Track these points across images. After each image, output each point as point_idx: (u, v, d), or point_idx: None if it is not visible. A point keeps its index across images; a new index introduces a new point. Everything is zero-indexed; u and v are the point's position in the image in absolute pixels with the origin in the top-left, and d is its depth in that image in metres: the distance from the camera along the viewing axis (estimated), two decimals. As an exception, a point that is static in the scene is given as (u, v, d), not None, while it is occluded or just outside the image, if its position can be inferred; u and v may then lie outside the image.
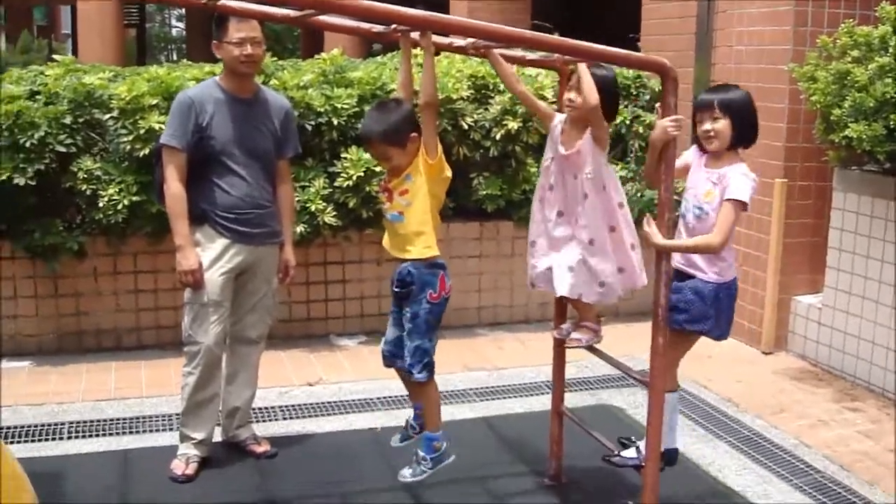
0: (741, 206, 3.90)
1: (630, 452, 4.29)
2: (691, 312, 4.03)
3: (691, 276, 4.07)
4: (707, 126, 4.01)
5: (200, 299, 4.63)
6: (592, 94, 3.78)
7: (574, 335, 4.30)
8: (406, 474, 4.17)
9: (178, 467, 4.73)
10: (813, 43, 6.28)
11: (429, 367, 4.04)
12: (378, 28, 3.97)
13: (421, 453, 4.16)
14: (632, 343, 5.50)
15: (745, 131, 4.06)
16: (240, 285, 4.78)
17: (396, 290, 4.07)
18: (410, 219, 3.94)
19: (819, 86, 5.96)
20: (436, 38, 3.84)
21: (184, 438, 4.81)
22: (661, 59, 3.74)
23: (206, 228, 4.63)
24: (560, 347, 4.57)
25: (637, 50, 8.15)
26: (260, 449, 4.98)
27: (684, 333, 4.11)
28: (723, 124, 3.99)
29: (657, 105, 3.89)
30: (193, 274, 4.56)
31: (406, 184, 3.92)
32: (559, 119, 4.11)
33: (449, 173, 4.03)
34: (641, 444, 4.21)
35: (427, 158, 3.86)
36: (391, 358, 4.21)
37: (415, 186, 3.91)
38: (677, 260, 4.07)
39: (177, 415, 5.47)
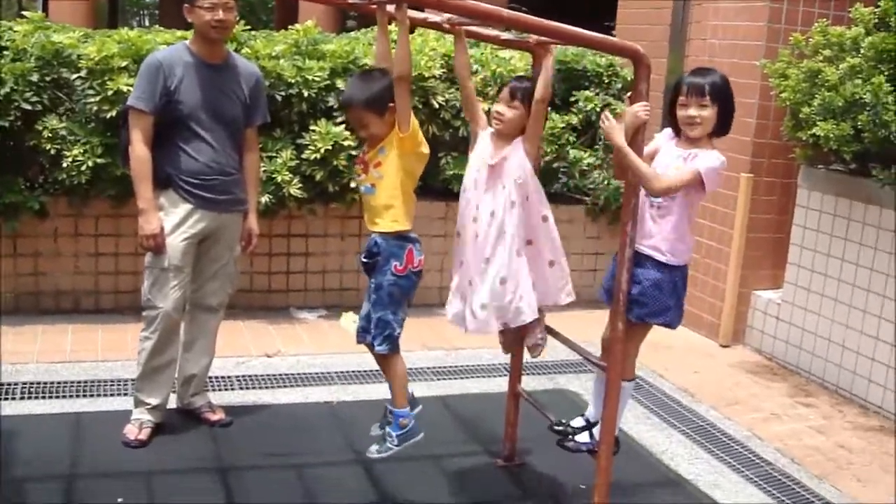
0: (699, 178, 3.88)
1: (583, 437, 4.30)
2: (651, 306, 4.01)
3: (647, 258, 4.02)
4: (692, 112, 3.99)
5: (161, 264, 4.59)
6: (548, 89, 3.86)
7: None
8: (373, 451, 4.16)
9: (132, 432, 4.70)
10: (786, 40, 6.32)
11: (390, 340, 4.03)
12: (354, 0, 3.94)
13: (388, 430, 4.15)
14: (590, 329, 5.49)
15: (727, 120, 4.06)
16: (202, 252, 4.74)
17: (364, 260, 4.06)
18: (381, 192, 3.93)
19: (790, 83, 5.99)
20: (411, 13, 3.83)
21: (138, 403, 4.78)
22: (635, 45, 3.74)
23: (170, 193, 4.58)
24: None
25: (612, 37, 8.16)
26: (214, 417, 4.96)
27: (642, 325, 4.12)
28: (710, 112, 3.99)
29: (627, 95, 3.90)
30: (155, 238, 4.52)
31: (380, 156, 3.92)
32: (489, 131, 4.10)
33: (426, 150, 4.01)
34: (595, 430, 4.23)
35: (399, 132, 3.85)
36: (363, 333, 4.17)
37: (387, 159, 3.90)
38: (638, 242, 4.04)
39: (132, 380, 5.42)
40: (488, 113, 4.10)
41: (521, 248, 3.98)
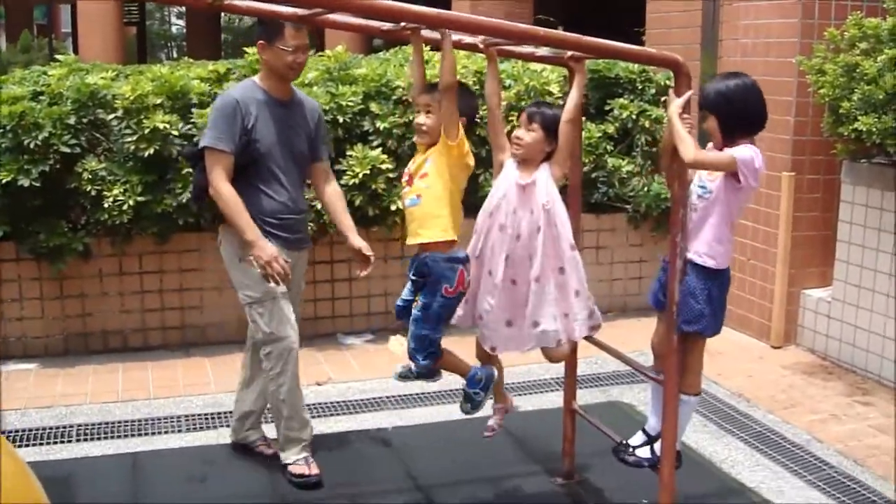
0: (734, 167, 3.82)
1: (644, 452, 4.26)
2: (684, 314, 3.96)
3: (692, 263, 3.98)
4: (704, 124, 4.01)
5: (273, 293, 4.46)
6: (577, 110, 3.91)
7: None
8: (467, 409, 4.25)
9: (304, 469, 4.65)
10: (820, 35, 6.25)
11: (432, 357, 4.04)
12: (387, 25, 3.93)
13: (469, 391, 4.20)
14: (639, 338, 5.45)
15: (736, 122, 3.97)
16: None
17: (413, 278, 4.06)
18: (427, 201, 3.92)
19: (827, 79, 5.93)
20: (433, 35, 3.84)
21: (293, 442, 4.69)
22: (674, 55, 3.71)
23: None
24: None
25: (641, 44, 8.12)
26: (269, 451, 4.93)
27: (693, 335, 4.07)
28: (711, 123, 3.97)
29: (663, 99, 3.87)
30: (277, 260, 4.32)
31: (426, 167, 3.92)
32: (514, 160, 4.05)
33: (472, 161, 4.00)
34: (656, 445, 4.19)
35: (447, 140, 3.84)
36: (403, 311, 4.18)
37: (434, 169, 3.90)
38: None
39: (186, 416, 5.47)
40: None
41: (550, 273, 3.92)
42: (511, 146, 3.99)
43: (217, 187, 4.35)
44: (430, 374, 4.16)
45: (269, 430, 5.11)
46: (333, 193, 4.83)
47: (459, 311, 4.11)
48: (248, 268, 4.42)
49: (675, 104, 3.70)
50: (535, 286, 3.90)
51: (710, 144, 4.12)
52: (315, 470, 4.63)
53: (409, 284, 4.16)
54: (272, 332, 4.51)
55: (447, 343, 4.13)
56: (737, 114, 3.96)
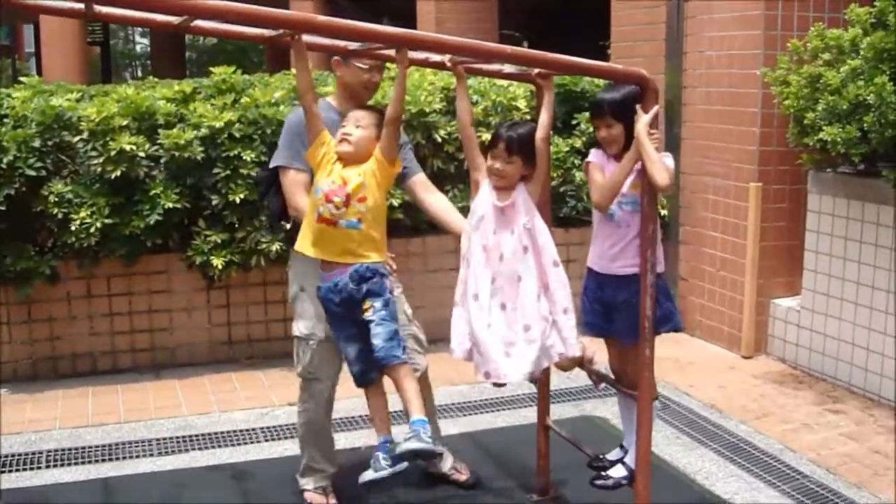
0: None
1: (618, 471, 4.24)
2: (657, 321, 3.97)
3: (631, 276, 3.98)
4: (603, 133, 3.96)
5: (319, 336, 4.38)
6: (550, 127, 3.84)
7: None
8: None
9: (321, 499, 4.60)
10: (784, 47, 6.30)
11: (405, 350, 3.94)
12: (353, 45, 3.91)
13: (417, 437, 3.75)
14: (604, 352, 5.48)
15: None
16: None
17: (347, 296, 3.86)
18: (368, 225, 3.82)
19: (792, 90, 5.97)
20: (412, 54, 3.80)
21: (312, 472, 4.64)
22: (640, 71, 3.72)
23: None
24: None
25: (607, 57, 8.16)
26: (463, 477, 4.83)
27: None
28: (618, 130, 3.93)
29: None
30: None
31: (363, 190, 3.80)
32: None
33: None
34: (628, 458, 4.19)
35: (388, 165, 3.79)
36: (364, 376, 3.96)
37: (371, 192, 3.80)
38: (621, 264, 4.04)
39: (157, 439, 5.42)
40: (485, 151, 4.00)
41: (539, 291, 3.87)
42: (491, 177, 3.91)
43: (296, 204, 4.25)
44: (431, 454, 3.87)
45: (239, 451, 5.07)
46: (439, 199, 4.65)
47: (459, 342, 3.98)
48: (304, 302, 4.38)
49: (643, 123, 3.70)
50: (526, 304, 3.84)
51: (595, 152, 4.08)
52: (332, 501, 4.58)
53: (342, 341, 3.97)
54: (310, 372, 4.47)
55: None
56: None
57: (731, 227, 6.85)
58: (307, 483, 4.63)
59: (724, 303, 6.99)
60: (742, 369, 6.61)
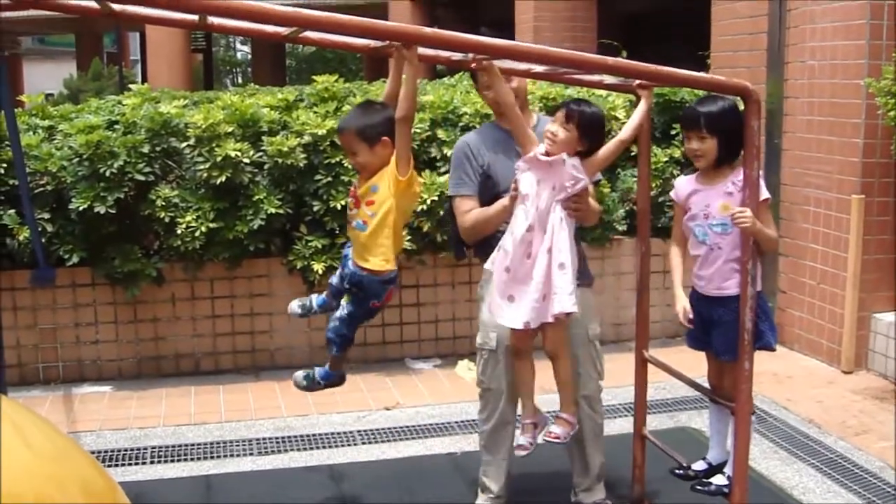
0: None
1: (719, 479, 4.24)
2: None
3: (725, 298, 4.01)
4: (694, 145, 3.95)
5: (490, 346, 4.40)
6: (634, 132, 3.83)
7: (553, 429, 4.18)
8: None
9: None
10: (889, 57, 6.20)
11: (343, 345, 4.18)
12: (376, 43, 3.78)
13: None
14: (701, 365, 5.42)
15: (739, 143, 3.79)
16: None
17: (347, 286, 4.08)
18: (373, 231, 3.87)
19: (897, 101, 5.88)
20: (509, 64, 3.83)
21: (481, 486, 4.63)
22: (743, 83, 3.70)
23: None
24: (642, 368, 4.53)
25: (707, 68, 8.10)
26: None
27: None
28: (710, 143, 3.91)
29: None
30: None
31: (372, 195, 3.85)
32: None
33: (419, 188, 4.08)
34: (728, 468, 4.18)
35: (398, 174, 3.78)
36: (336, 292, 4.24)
37: (380, 198, 3.84)
38: (715, 286, 4.06)
39: (257, 439, 5.54)
40: None
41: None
42: (545, 140, 3.82)
43: (464, 223, 4.33)
44: (338, 380, 4.32)
45: (338, 454, 5.16)
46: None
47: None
48: (481, 312, 4.41)
49: (754, 226, 3.69)
50: (545, 259, 3.73)
51: (681, 181, 4.13)
52: None
53: (338, 280, 4.20)
54: (482, 381, 4.50)
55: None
56: (739, 134, 3.75)
57: (833, 240, 6.74)
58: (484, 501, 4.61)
59: (824, 316, 6.89)
60: (841, 384, 6.50)
